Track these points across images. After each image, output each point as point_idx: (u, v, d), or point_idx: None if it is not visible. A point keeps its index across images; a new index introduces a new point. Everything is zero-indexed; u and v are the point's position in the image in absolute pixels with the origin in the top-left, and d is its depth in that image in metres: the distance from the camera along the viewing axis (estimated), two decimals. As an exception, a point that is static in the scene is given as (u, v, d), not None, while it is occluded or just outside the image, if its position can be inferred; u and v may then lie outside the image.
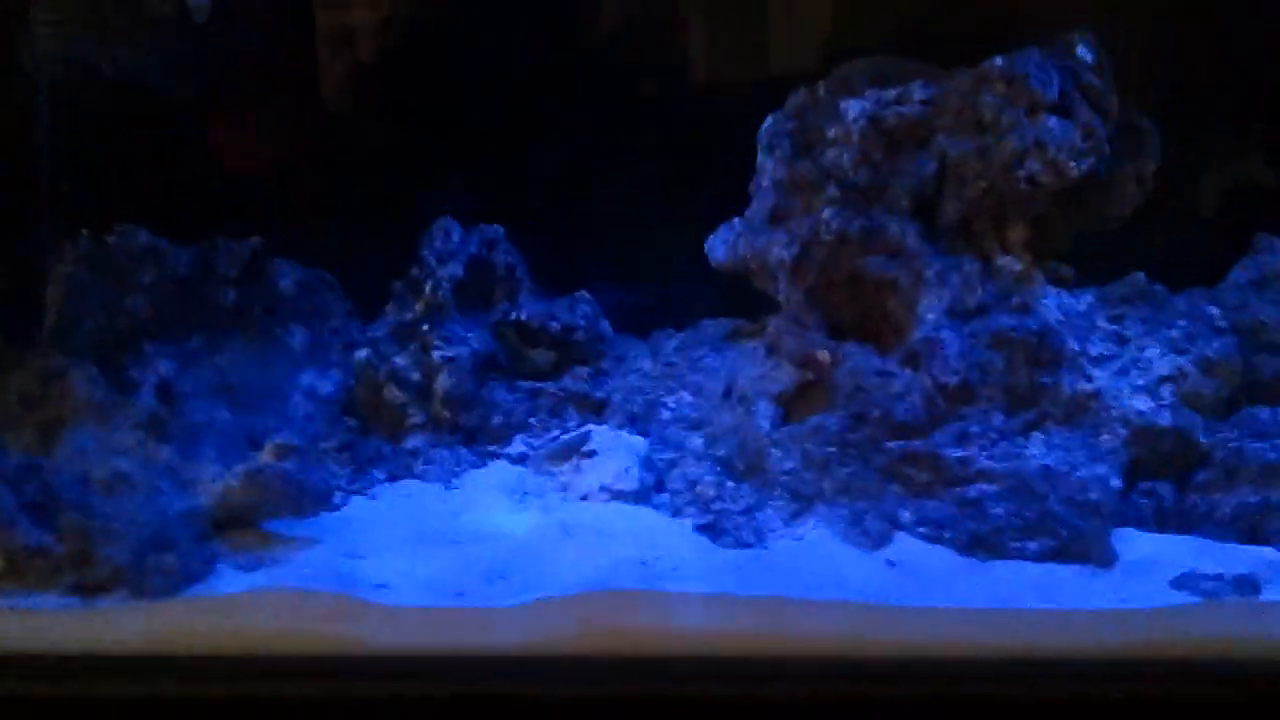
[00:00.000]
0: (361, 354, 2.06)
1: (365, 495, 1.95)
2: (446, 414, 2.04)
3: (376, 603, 1.61)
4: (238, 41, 1.99)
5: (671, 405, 2.03)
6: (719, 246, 2.05)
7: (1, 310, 1.99)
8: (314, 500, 1.77)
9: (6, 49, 1.90)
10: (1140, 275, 1.97)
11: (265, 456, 1.74)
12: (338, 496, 1.91)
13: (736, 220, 2.05)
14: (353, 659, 1.58)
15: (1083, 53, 1.93)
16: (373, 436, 2.05)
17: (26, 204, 2.01)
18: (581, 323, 2.12)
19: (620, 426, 2.02)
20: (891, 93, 1.93)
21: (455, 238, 2.09)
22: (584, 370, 2.10)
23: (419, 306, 2.06)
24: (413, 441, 2.03)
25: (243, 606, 1.60)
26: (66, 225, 1.98)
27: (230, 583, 1.65)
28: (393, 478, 2.00)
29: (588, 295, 2.15)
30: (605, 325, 2.15)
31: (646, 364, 2.10)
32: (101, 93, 1.90)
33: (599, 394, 2.09)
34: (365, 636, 1.59)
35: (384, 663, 1.58)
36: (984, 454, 1.81)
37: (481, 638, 1.59)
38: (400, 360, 2.05)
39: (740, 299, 2.18)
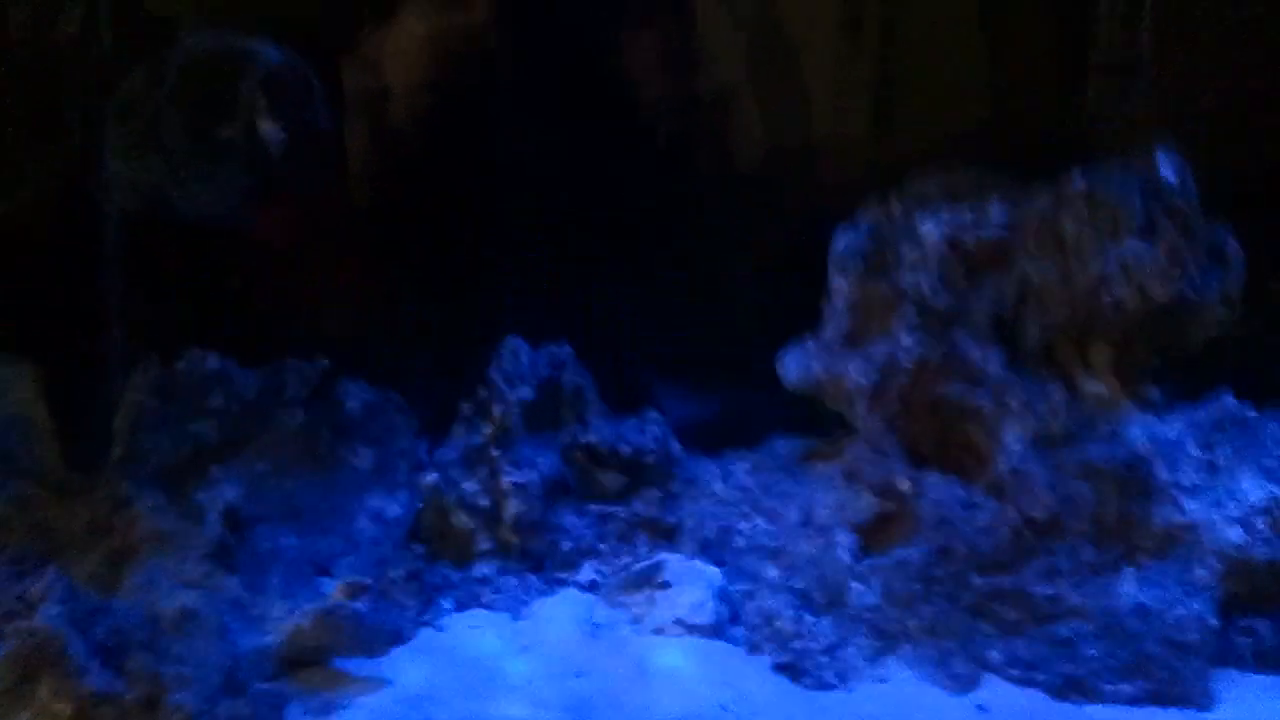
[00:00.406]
0: (430, 479, 2.03)
1: (434, 626, 1.90)
2: (515, 540, 1.99)
3: (452, 757, 1.58)
4: (308, 171, 1.99)
5: (746, 532, 1.97)
6: (792, 367, 2.01)
7: (70, 438, 1.97)
8: (386, 640, 1.73)
9: (76, 177, 1.91)
10: (1229, 397, 1.91)
11: (336, 595, 1.71)
12: (406, 628, 1.87)
13: (810, 341, 2.01)
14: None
15: (1165, 170, 1.88)
16: (440, 563, 2.01)
17: (94, 331, 2.01)
18: (652, 445, 2.07)
19: (693, 554, 1.96)
20: (969, 215, 1.90)
21: (524, 359, 2.06)
22: (654, 493, 2.05)
23: (488, 430, 2.03)
24: (481, 569, 1.98)
25: (315, 759, 1.56)
26: (135, 352, 1.98)
27: (301, 730, 1.62)
28: (460, 606, 1.95)
29: (657, 415, 2.11)
30: (675, 446, 2.10)
31: (719, 487, 2.05)
32: (171, 220, 1.89)
33: (670, 519, 2.03)
34: (440, 790, 1.55)
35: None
36: (1074, 590, 1.75)
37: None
38: (469, 485, 2.01)
39: (810, 413, 2.14)
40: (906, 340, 1.87)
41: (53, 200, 1.92)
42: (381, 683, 1.71)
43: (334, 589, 1.73)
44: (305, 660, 1.73)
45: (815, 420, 2.14)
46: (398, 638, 1.77)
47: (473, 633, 1.90)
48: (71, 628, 1.61)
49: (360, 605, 1.70)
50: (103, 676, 1.60)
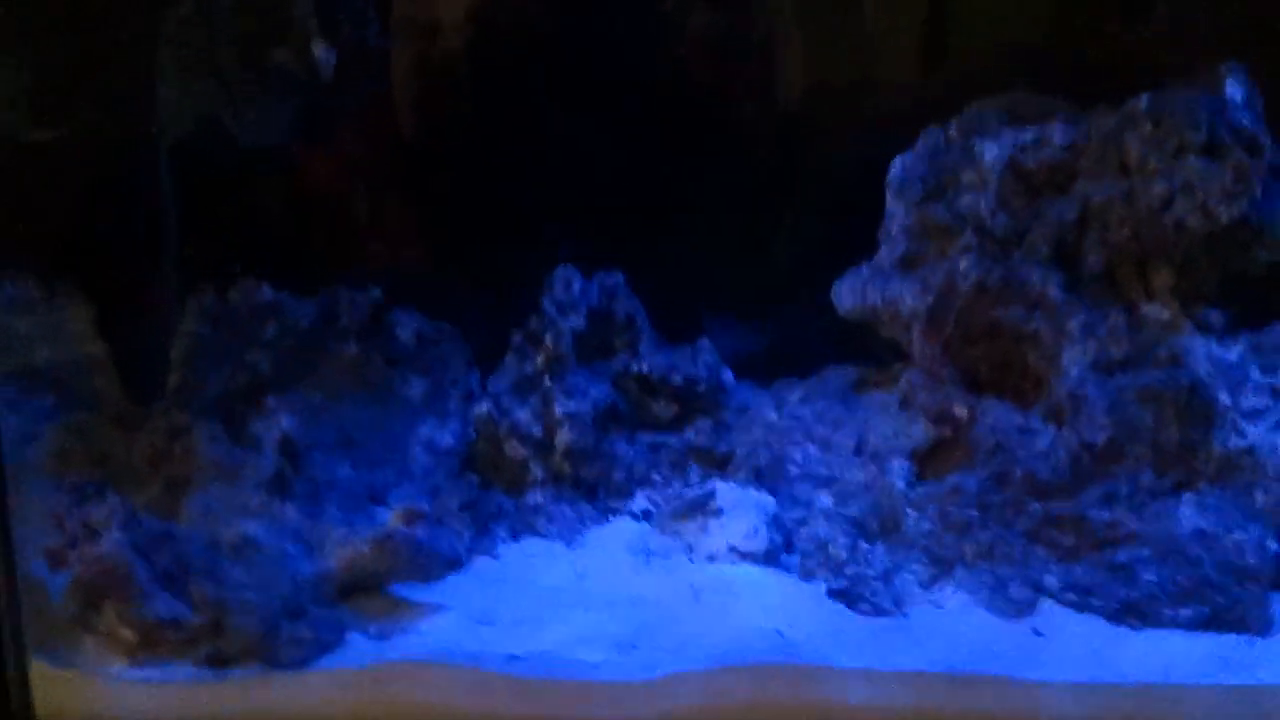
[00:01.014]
0: (482, 408, 2.03)
1: (489, 555, 1.91)
2: (568, 468, 2.00)
3: (512, 675, 1.58)
4: (358, 94, 1.97)
5: (799, 460, 1.97)
6: (846, 294, 1.99)
7: (127, 370, 1.99)
8: (443, 566, 1.74)
9: (129, 106, 1.90)
10: (1293, 321, 1.88)
11: (395, 521, 1.72)
12: (461, 556, 1.88)
13: (864, 266, 1.99)
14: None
15: (1232, 90, 1.83)
16: (493, 492, 2.02)
17: (149, 262, 2.02)
18: (704, 373, 2.06)
19: (745, 482, 1.96)
20: (1029, 135, 1.86)
21: (576, 287, 2.05)
22: (706, 422, 2.05)
23: (540, 359, 2.02)
24: (534, 497, 1.99)
25: (378, 680, 1.57)
26: (190, 283, 1.98)
27: (361, 653, 1.63)
28: (514, 535, 1.97)
29: (709, 345, 2.10)
30: (728, 375, 2.09)
31: (771, 416, 2.03)
32: (224, 148, 1.88)
33: (722, 448, 2.03)
34: (504, 712, 1.56)
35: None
36: (1133, 516, 1.73)
37: (621, 713, 1.56)
38: (521, 414, 2.02)
39: (861, 343, 2.13)
40: (964, 264, 1.84)
41: (104, 129, 1.92)
42: (439, 608, 1.73)
43: (391, 516, 1.75)
44: (363, 586, 1.75)
45: (867, 350, 2.13)
46: (454, 564, 1.79)
47: (528, 560, 1.91)
48: (135, 554, 1.64)
49: (418, 531, 1.71)
50: (167, 602, 1.63)
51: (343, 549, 1.74)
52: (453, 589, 1.78)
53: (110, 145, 1.99)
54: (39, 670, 1.59)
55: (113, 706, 1.58)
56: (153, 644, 1.61)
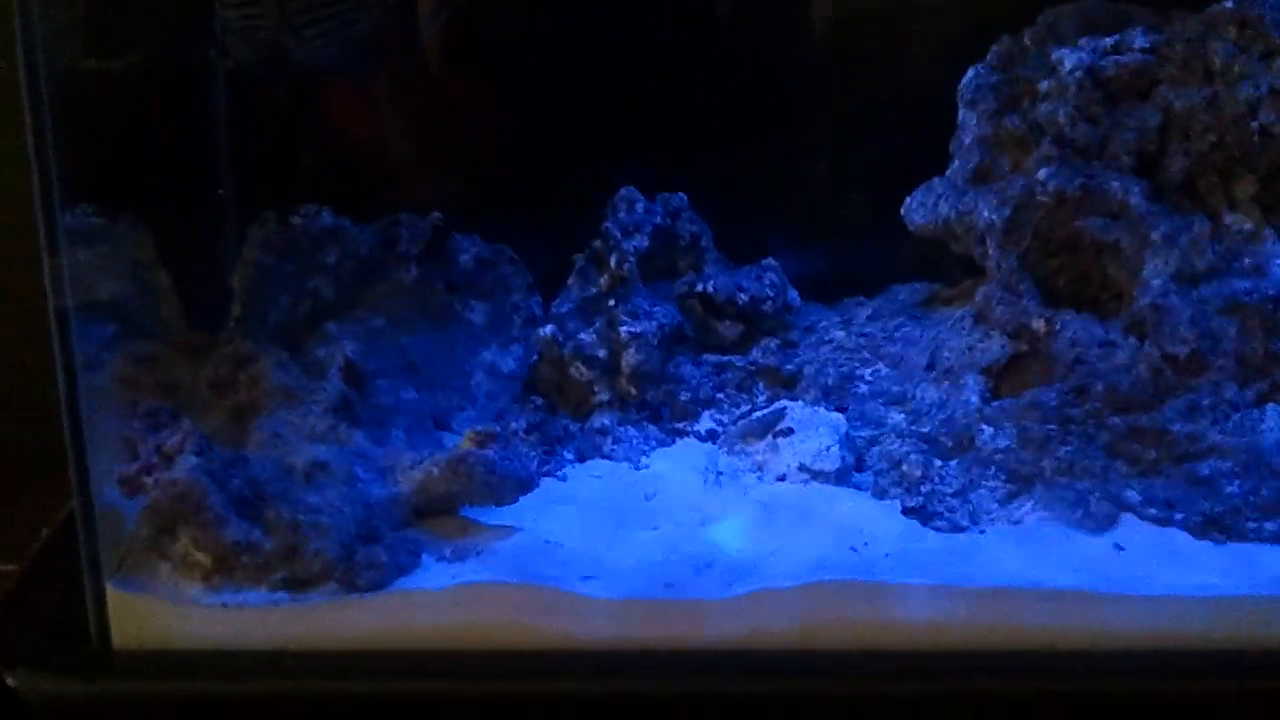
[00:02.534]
0: (546, 331, 2.01)
1: (556, 477, 1.90)
2: (633, 391, 1.98)
3: (588, 595, 1.58)
4: (414, 18, 1.94)
5: (869, 379, 1.94)
6: (917, 209, 1.94)
7: (190, 298, 1.98)
8: (514, 488, 1.73)
9: (187, 32, 1.88)
10: (1381, 230, 1.83)
11: (466, 444, 1.71)
12: (531, 478, 1.87)
13: (936, 180, 1.94)
14: (568, 653, 1.56)
15: (1321, -11, 1.77)
16: (559, 415, 2.00)
17: (210, 189, 2.00)
18: (770, 293, 2.03)
19: (814, 402, 1.93)
20: (1108, 41, 1.80)
21: (640, 208, 2.01)
22: (773, 342, 2.02)
23: (604, 281, 1.99)
24: (599, 420, 1.97)
25: (455, 601, 1.57)
26: (251, 209, 1.96)
27: (437, 575, 1.62)
28: (581, 457, 1.95)
29: (775, 264, 2.06)
30: (794, 294, 2.06)
31: (839, 334, 2.01)
32: (285, 74, 1.86)
33: (789, 367, 2.00)
34: (579, 631, 1.56)
35: (601, 658, 1.56)
36: (1216, 429, 1.69)
37: (700, 631, 1.55)
38: (585, 336, 1.99)
39: (931, 260, 2.09)
40: (1042, 174, 1.79)
41: (164, 56, 1.90)
42: (512, 530, 1.72)
43: (463, 438, 1.73)
44: (435, 509, 1.74)
45: (937, 268, 2.09)
46: (526, 486, 1.77)
47: (596, 482, 1.89)
48: (209, 479, 1.63)
49: (490, 453, 1.70)
50: (241, 526, 1.62)
51: (414, 472, 1.73)
52: (523, 511, 1.76)
53: (169, 72, 1.97)
54: (115, 596, 1.60)
55: (189, 631, 1.59)
56: (228, 568, 1.61)
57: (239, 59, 1.81)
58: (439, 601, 1.57)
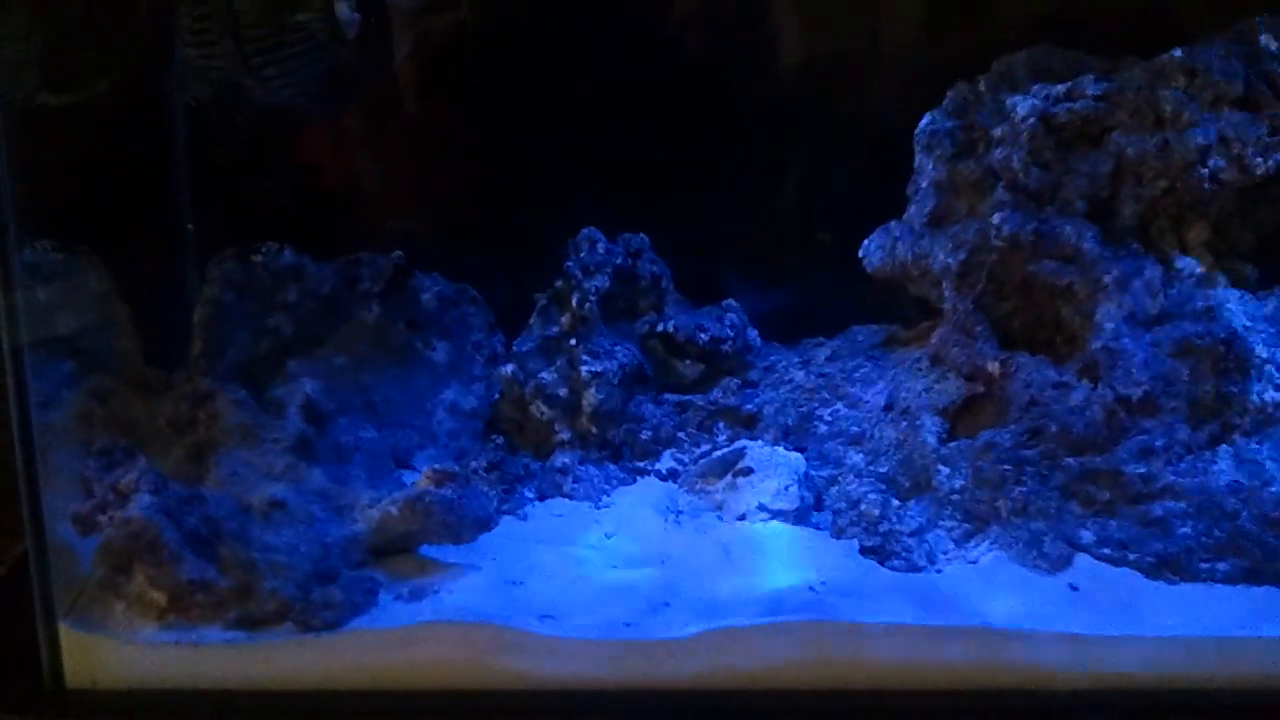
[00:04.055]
0: (507, 369, 2.01)
1: (516, 515, 1.90)
2: (594, 430, 1.98)
3: (546, 635, 1.57)
4: (381, 57, 1.95)
5: (828, 419, 1.95)
6: (875, 251, 1.96)
7: (149, 334, 1.97)
8: (474, 527, 1.72)
9: (148, 68, 1.88)
10: (1328, 274, 1.86)
11: (424, 482, 1.70)
12: (490, 517, 1.86)
13: (893, 224, 1.96)
14: (524, 693, 1.55)
15: (1266, 41, 1.81)
16: (520, 454, 2.00)
17: (170, 226, 2.00)
18: (730, 333, 2.04)
19: (774, 441, 1.94)
20: (1061, 88, 1.83)
21: (601, 249, 2.03)
22: (733, 382, 2.03)
23: (565, 320, 2.00)
24: (560, 459, 1.97)
25: (412, 640, 1.56)
26: (210, 247, 1.96)
27: (394, 615, 1.62)
28: (541, 496, 1.95)
29: (735, 304, 2.07)
30: (754, 334, 2.07)
31: (798, 375, 2.02)
32: (244, 110, 1.86)
33: (749, 407, 2.01)
34: (536, 670, 1.55)
35: (557, 698, 1.55)
36: (1169, 470, 1.71)
37: (657, 671, 1.55)
38: (546, 375, 2.00)
39: (886, 303, 2.11)
40: (996, 218, 1.81)
41: (126, 92, 1.90)
42: (470, 569, 1.71)
43: (421, 476, 1.73)
44: (393, 548, 1.73)
45: (894, 310, 2.11)
46: (484, 525, 1.76)
47: (556, 520, 1.90)
48: (164, 517, 1.62)
49: (449, 492, 1.69)
50: (196, 565, 1.61)
51: (372, 511, 1.72)
52: (482, 549, 1.76)
53: (131, 107, 1.96)
54: (68, 635, 1.59)
55: (143, 670, 1.57)
56: (183, 607, 1.60)
57: (198, 97, 1.81)
58: (395, 641, 1.56)
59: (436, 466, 1.72)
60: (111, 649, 1.58)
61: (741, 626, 1.56)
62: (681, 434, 2.01)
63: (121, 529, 1.61)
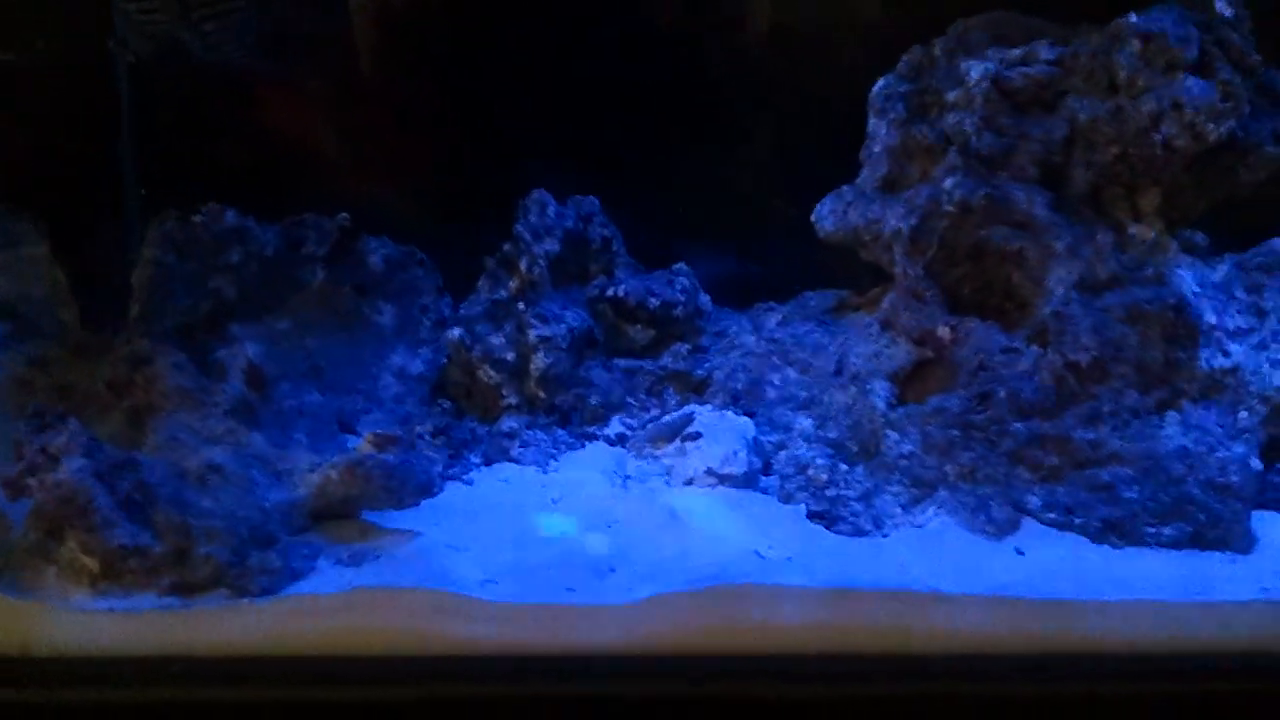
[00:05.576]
0: (454, 333, 1.98)
1: (462, 480, 1.88)
2: (542, 394, 1.96)
3: (486, 600, 1.55)
4: (323, 16, 1.90)
5: (777, 384, 1.93)
6: (828, 216, 1.94)
7: (87, 296, 1.93)
8: (415, 491, 1.70)
9: (88, 28, 1.83)
10: (1278, 242, 1.86)
11: (365, 447, 1.67)
12: (434, 482, 1.84)
13: (846, 188, 1.95)
14: (464, 659, 1.53)
15: (1221, 6, 1.79)
16: (466, 418, 1.98)
17: (110, 187, 1.95)
18: (681, 298, 2.02)
19: (723, 406, 1.93)
20: (1016, 52, 1.81)
21: (551, 211, 2.00)
22: (683, 347, 2.01)
23: (514, 284, 1.98)
24: (508, 423, 1.95)
25: (350, 606, 1.53)
26: (151, 207, 1.92)
27: (333, 580, 1.59)
28: (488, 461, 1.93)
29: (686, 269, 2.05)
30: (705, 299, 2.05)
31: (749, 340, 2.00)
32: (185, 71, 1.81)
33: (699, 372, 2.00)
34: (477, 636, 1.53)
35: (497, 663, 1.53)
36: (1116, 435, 1.71)
37: (598, 636, 1.53)
38: (495, 340, 1.97)
39: (841, 269, 2.09)
40: (948, 183, 1.80)
41: (64, 50, 1.85)
42: (412, 534, 1.69)
43: (362, 441, 1.70)
44: (334, 513, 1.71)
45: (848, 275, 2.10)
46: (426, 490, 1.74)
47: (502, 486, 1.88)
48: (96, 481, 1.58)
49: (389, 457, 1.66)
50: (130, 530, 1.57)
51: (313, 476, 1.69)
52: (426, 515, 1.74)
53: (70, 66, 1.91)
54: (0, 601, 1.55)
55: (77, 637, 1.53)
56: (116, 573, 1.56)
57: (138, 54, 1.76)
58: (332, 606, 1.53)
59: (378, 431, 1.69)
60: (43, 615, 1.54)
61: (683, 592, 1.54)
62: (631, 399, 1.99)
63: (52, 492, 1.57)
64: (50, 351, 1.94)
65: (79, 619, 1.54)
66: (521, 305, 1.97)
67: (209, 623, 1.54)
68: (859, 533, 1.71)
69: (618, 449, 1.95)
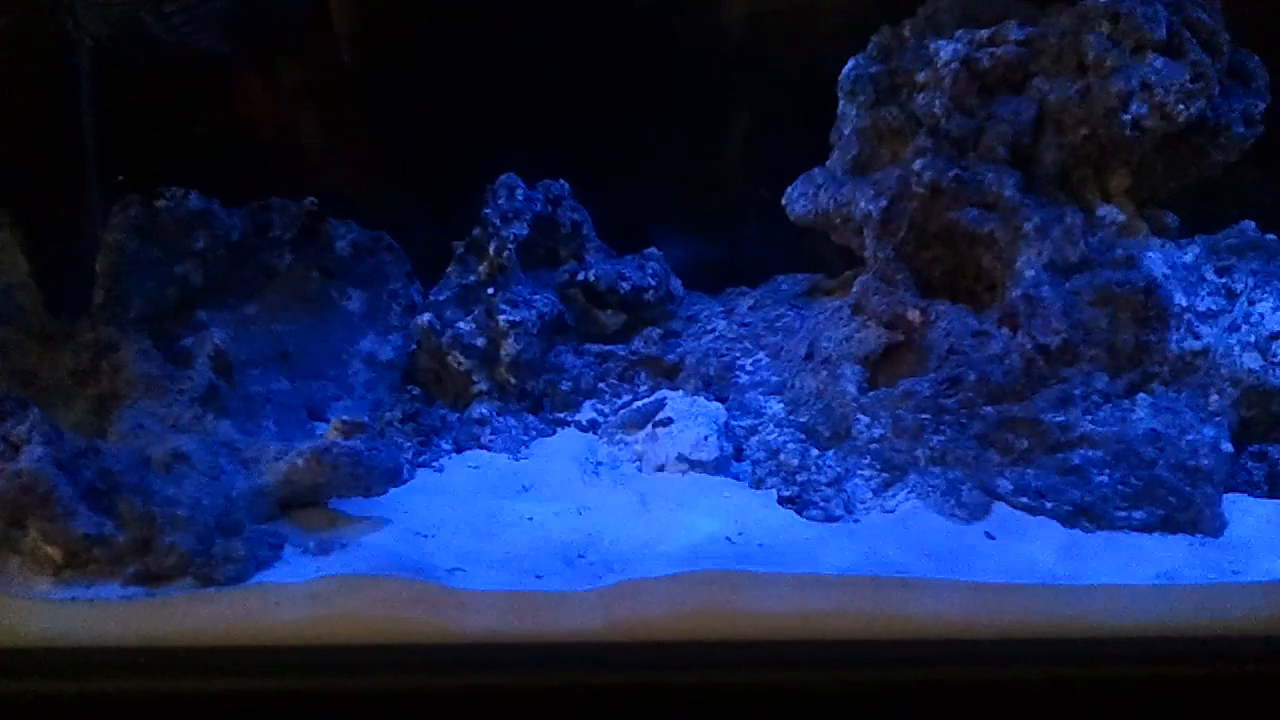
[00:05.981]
0: (423, 319, 1.97)
1: (432, 468, 1.87)
2: (512, 380, 1.95)
3: (454, 588, 1.54)
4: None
5: (749, 368, 1.93)
6: (798, 199, 1.94)
7: (51, 282, 1.90)
8: (383, 479, 1.68)
9: (46, 9, 1.80)
10: (1249, 224, 1.85)
11: (332, 434, 1.66)
12: (403, 469, 1.82)
13: (817, 171, 1.94)
14: (432, 647, 1.52)
15: (1190, -16, 1.79)
16: (436, 405, 1.96)
17: (73, 171, 1.92)
18: (652, 282, 2.01)
19: (695, 391, 1.92)
20: (984, 33, 1.80)
21: (519, 195, 1.98)
22: (655, 332, 2.00)
23: (483, 269, 1.96)
24: (478, 409, 1.94)
25: (316, 595, 1.51)
26: (115, 192, 1.89)
27: (300, 568, 1.57)
28: (459, 448, 1.92)
29: (658, 253, 2.04)
30: (676, 284, 2.04)
31: (720, 324, 1.99)
32: (149, 52, 1.78)
33: (671, 357, 1.98)
34: (444, 624, 1.52)
35: (465, 651, 1.52)
36: (1087, 418, 1.71)
37: (566, 624, 1.52)
38: (464, 325, 1.96)
39: (812, 253, 2.08)
40: (917, 165, 1.79)
41: (23, 32, 1.81)
42: (380, 522, 1.68)
43: (329, 428, 1.68)
44: (302, 501, 1.69)
45: (819, 258, 2.09)
46: (395, 477, 1.72)
47: (472, 473, 1.86)
48: (58, 470, 1.56)
49: (357, 444, 1.65)
50: (93, 519, 1.56)
51: (279, 463, 1.67)
52: (394, 502, 1.72)
53: (30, 48, 1.88)
54: (-39, 592, 1.54)
55: (40, 627, 1.52)
56: (79, 562, 1.54)
57: (97, 35, 1.73)
58: (298, 595, 1.52)
59: (345, 418, 1.67)
60: (5, 605, 1.52)
61: (652, 579, 1.53)
62: (602, 384, 1.98)
63: (12, 481, 1.55)
64: (12, 338, 1.91)
65: (42, 609, 1.52)
66: (491, 290, 1.95)
67: (174, 612, 1.52)
68: (830, 518, 1.71)
69: (589, 435, 1.94)
